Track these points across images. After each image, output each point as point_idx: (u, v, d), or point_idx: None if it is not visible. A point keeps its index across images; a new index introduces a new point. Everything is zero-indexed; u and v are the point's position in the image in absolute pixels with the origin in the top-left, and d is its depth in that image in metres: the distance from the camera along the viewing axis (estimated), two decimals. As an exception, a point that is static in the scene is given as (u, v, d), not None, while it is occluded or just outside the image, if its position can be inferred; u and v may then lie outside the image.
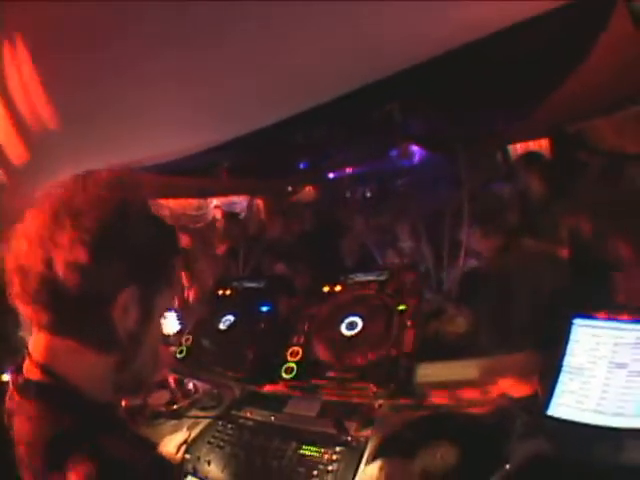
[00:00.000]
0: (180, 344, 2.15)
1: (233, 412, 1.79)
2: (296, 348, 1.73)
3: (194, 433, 1.71)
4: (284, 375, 1.69)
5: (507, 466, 1.12)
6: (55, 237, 0.73)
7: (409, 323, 1.51)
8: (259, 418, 1.70)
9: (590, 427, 1.16)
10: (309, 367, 1.66)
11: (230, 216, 6.41)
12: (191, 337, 2.13)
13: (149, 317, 0.84)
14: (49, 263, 0.72)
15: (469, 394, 1.44)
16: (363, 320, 1.64)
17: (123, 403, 1.94)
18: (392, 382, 1.42)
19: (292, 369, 1.68)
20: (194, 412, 1.90)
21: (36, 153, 1.93)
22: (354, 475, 1.30)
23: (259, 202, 6.99)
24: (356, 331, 1.63)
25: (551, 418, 1.22)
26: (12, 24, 1.62)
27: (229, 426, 1.71)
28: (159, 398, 2.03)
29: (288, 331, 1.84)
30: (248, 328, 2.00)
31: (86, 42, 1.62)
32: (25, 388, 0.78)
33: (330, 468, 1.35)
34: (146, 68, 1.74)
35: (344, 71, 2.02)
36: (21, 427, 0.76)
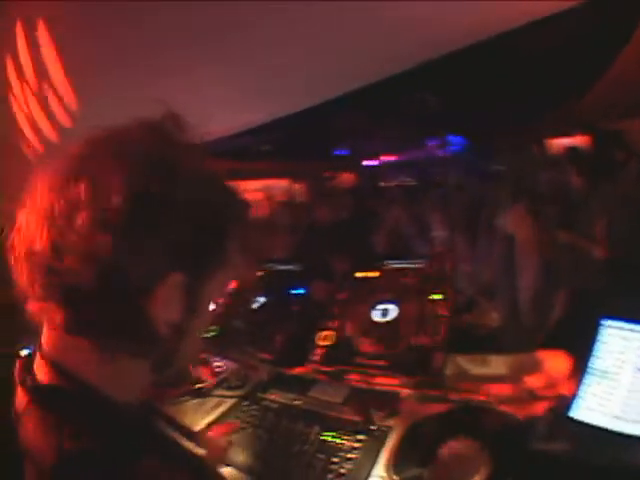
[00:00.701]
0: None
1: (258, 393, 1.73)
2: (327, 332, 1.68)
3: (218, 412, 1.67)
4: (313, 359, 1.64)
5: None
6: (65, 214, 0.55)
7: (442, 312, 1.44)
8: (284, 401, 1.64)
9: (611, 433, 1.07)
10: (338, 352, 1.60)
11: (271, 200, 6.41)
12: (224, 316, 2.10)
13: (197, 307, 0.65)
14: (59, 249, 0.55)
15: (497, 389, 1.36)
16: (396, 307, 1.58)
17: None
18: (421, 372, 1.36)
19: (321, 353, 1.64)
20: (219, 391, 1.83)
21: (65, 139, 1.91)
22: (373, 464, 1.24)
23: (298, 187, 6.97)
24: (388, 318, 1.57)
25: (573, 421, 1.14)
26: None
27: (253, 407, 1.66)
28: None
29: (321, 315, 1.79)
30: (280, 310, 1.96)
31: (119, 22, 1.56)
32: (34, 392, 0.61)
33: (350, 456, 1.29)
34: (185, 50, 1.67)
35: (391, 53, 1.90)
36: (30, 437, 0.59)
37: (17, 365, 0.66)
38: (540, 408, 1.19)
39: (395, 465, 1.18)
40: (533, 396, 1.27)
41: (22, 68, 1.72)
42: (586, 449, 1.07)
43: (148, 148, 0.60)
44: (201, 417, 1.65)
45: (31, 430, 0.59)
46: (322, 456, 1.31)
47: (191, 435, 1.38)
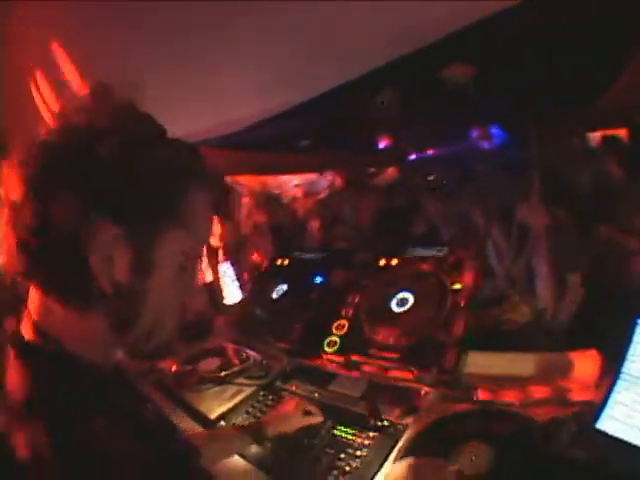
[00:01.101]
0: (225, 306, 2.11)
1: (278, 384, 1.71)
2: (342, 321, 1.62)
3: (236, 400, 1.65)
4: (327, 348, 1.58)
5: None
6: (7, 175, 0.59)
7: (462, 304, 1.33)
8: (302, 392, 1.61)
9: (636, 448, 0.93)
10: (353, 342, 1.53)
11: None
12: (244, 304, 2.09)
13: (148, 267, 0.63)
14: (14, 206, 0.58)
15: (522, 392, 1.25)
16: (414, 297, 1.48)
17: (173, 368, 1.93)
18: (436, 367, 1.26)
19: (335, 343, 1.57)
20: (240, 380, 1.82)
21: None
22: (382, 464, 1.16)
23: (339, 181, 6.88)
24: (405, 308, 1.48)
25: (598, 432, 1.00)
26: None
27: (270, 397, 1.63)
28: (209, 364, 1.99)
29: (339, 304, 1.73)
30: (300, 299, 1.91)
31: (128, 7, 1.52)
32: (16, 346, 0.64)
33: (359, 453, 1.22)
34: (204, 27, 1.61)
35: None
36: (10, 382, 0.62)
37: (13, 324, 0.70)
38: (565, 415, 1.07)
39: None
40: (562, 401, 1.15)
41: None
42: (606, 462, 0.94)
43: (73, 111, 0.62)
44: (218, 404, 1.65)
45: (12, 377, 0.62)
46: (331, 451, 1.26)
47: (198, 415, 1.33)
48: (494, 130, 3.99)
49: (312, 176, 6.96)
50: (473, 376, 1.32)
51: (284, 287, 2.04)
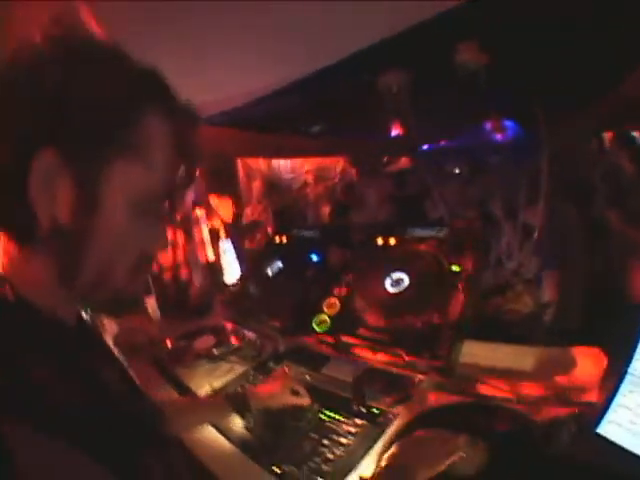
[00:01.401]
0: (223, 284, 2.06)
1: (270, 365, 1.66)
2: (333, 300, 1.54)
3: (226, 379, 1.61)
4: (316, 327, 1.51)
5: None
6: None
7: (460, 286, 1.23)
8: (293, 374, 1.53)
9: (636, 458, 0.83)
10: (343, 322, 1.46)
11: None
12: (239, 282, 2.02)
13: (94, 204, 0.55)
14: None
15: (520, 387, 1.16)
16: (410, 278, 1.39)
17: (168, 344, 1.94)
18: (428, 352, 1.17)
19: (325, 322, 1.50)
20: (233, 358, 1.78)
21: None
22: (366, 453, 1.08)
23: (351, 169, 6.80)
24: (400, 289, 1.39)
25: (598, 437, 0.90)
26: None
27: (260, 377, 1.58)
28: (204, 342, 1.97)
29: (334, 283, 1.65)
30: (294, 276, 1.86)
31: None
32: None
33: (343, 440, 1.14)
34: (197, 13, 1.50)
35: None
36: None
37: None
38: (565, 415, 0.99)
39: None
40: (561, 400, 1.07)
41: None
42: (605, 468, 0.84)
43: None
44: (208, 382, 1.61)
45: None
46: (315, 436, 1.19)
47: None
48: (507, 123, 3.87)
49: (324, 162, 6.88)
50: (469, 367, 1.24)
51: (280, 264, 1.99)
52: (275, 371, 1.60)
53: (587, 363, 1.11)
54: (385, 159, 6.65)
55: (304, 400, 1.28)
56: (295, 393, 1.29)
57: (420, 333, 1.23)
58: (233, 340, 1.95)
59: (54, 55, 0.53)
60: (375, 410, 1.24)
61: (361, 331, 1.38)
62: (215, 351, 1.86)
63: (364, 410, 1.22)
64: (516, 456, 0.94)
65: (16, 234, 0.57)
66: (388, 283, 1.43)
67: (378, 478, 0.90)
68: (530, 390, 1.14)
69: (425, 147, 6.04)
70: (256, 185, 6.05)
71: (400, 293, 1.38)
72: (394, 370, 1.34)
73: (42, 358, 0.53)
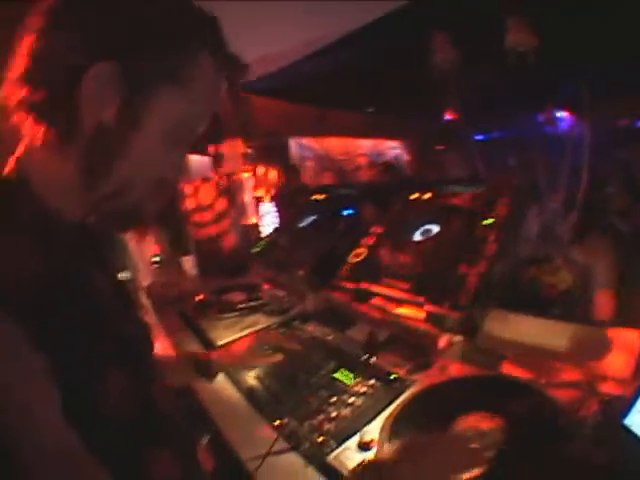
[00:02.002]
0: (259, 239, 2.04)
1: (296, 323, 1.60)
2: (361, 250, 1.47)
3: (246, 332, 1.58)
4: (340, 275, 1.46)
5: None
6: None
7: (492, 238, 1.09)
8: (317, 334, 1.49)
9: None
10: (366, 269, 1.39)
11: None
12: (272, 234, 2.07)
13: (136, 118, 0.58)
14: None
15: (550, 368, 1.02)
16: (440, 228, 1.29)
17: (198, 298, 1.96)
18: (449, 301, 1.05)
19: (349, 269, 1.44)
20: (260, 314, 1.76)
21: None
22: (373, 417, 0.99)
23: (406, 155, 6.62)
24: (426, 237, 1.29)
25: (624, 429, 0.77)
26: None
27: (281, 331, 1.55)
28: (234, 297, 1.97)
29: (362, 234, 1.59)
30: (326, 229, 1.84)
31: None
32: None
33: (351, 400, 1.06)
34: None
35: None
36: None
37: None
38: (594, 403, 0.84)
39: (394, 427, 0.92)
40: (591, 389, 0.90)
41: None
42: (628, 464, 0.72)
43: None
44: (228, 334, 1.57)
45: None
46: (325, 393, 1.12)
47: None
48: (560, 114, 3.60)
49: (378, 146, 6.70)
50: (497, 339, 1.12)
51: (313, 218, 2.00)
52: (298, 331, 1.53)
53: (623, 347, 0.93)
54: (440, 148, 6.40)
55: (275, 358, 1.19)
56: (279, 349, 1.21)
57: (443, 281, 1.11)
58: (263, 297, 1.93)
59: None
60: (393, 375, 1.14)
61: (383, 278, 1.29)
62: (241, 305, 1.84)
63: (380, 375, 1.13)
64: (535, 440, 0.80)
65: (59, 131, 0.57)
66: (417, 234, 1.34)
67: (390, 460, 0.78)
68: (560, 373, 1.01)
69: (479, 137, 5.76)
70: (309, 165, 6.01)
71: (427, 240, 1.28)
72: (415, 327, 1.23)
73: (36, 251, 0.55)
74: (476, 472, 0.75)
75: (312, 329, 1.53)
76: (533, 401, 0.92)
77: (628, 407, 0.78)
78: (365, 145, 6.41)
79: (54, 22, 0.56)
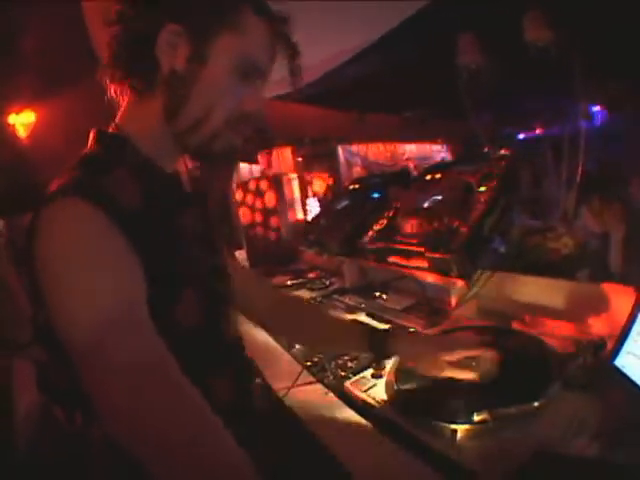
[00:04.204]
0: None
1: (335, 296, 1.75)
2: (382, 220, 1.65)
3: None
4: (364, 240, 1.64)
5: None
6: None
7: (482, 199, 1.25)
8: (353, 304, 1.65)
9: None
10: (385, 234, 1.57)
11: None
12: (313, 218, 2.34)
13: (202, 59, 0.67)
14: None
15: (552, 326, 1.08)
16: (443, 196, 1.47)
17: None
18: (443, 247, 1.20)
19: (372, 235, 1.63)
20: (304, 290, 1.95)
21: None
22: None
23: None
24: (431, 204, 1.49)
25: (615, 369, 0.78)
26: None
27: (319, 300, 1.74)
28: (281, 279, 2.17)
29: (385, 209, 1.75)
30: (356, 209, 2.02)
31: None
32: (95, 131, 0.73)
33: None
34: None
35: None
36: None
37: None
38: (582, 344, 0.89)
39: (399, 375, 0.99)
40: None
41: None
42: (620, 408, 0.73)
43: None
44: None
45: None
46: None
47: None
48: (594, 109, 3.41)
49: (424, 150, 6.66)
50: (503, 300, 1.22)
51: (346, 202, 2.19)
52: (338, 302, 1.69)
53: (618, 301, 0.95)
54: (486, 150, 6.23)
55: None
56: None
57: (440, 234, 1.28)
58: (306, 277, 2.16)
59: None
60: (411, 329, 1.30)
61: (397, 238, 1.48)
62: (288, 282, 2.08)
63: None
64: (526, 374, 0.86)
65: (140, 80, 0.69)
66: (427, 203, 1.52)
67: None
68: (561, 329, 1.06)
69: (521, 136, 5.58)
70: (356, 170, 6.10)
71: (431, 207, 1.47)
72: (418, 274, 1.39)
73: (138, 184, 0.66)
74: (470, 376, 0.83)
75: (349, 300, 1.68)
76: (527, 341, 1.01)
77: (617, 348, 0.80)
78: (410, 150, 6.42)
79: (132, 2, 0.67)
